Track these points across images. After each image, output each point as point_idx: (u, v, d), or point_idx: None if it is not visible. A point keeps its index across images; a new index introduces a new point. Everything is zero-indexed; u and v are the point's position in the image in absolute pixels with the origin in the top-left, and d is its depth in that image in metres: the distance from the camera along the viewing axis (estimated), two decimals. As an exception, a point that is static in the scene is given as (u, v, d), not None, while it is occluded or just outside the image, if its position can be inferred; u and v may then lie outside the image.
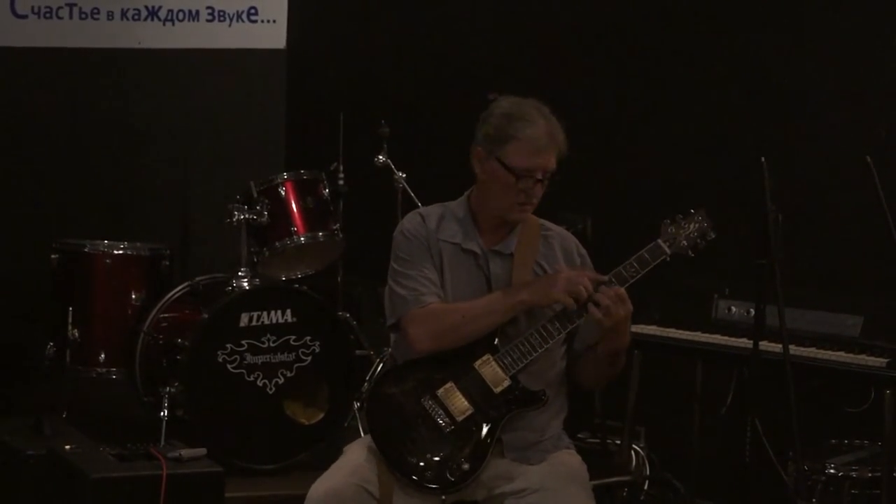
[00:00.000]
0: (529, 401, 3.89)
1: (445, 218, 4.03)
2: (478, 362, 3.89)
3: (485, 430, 3.87)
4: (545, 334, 3.88)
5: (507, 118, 3.93)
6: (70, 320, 5.60)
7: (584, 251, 4.09)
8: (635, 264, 3.90)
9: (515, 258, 3.98)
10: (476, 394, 3.88)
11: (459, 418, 3.87)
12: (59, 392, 5.62)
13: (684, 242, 3.94)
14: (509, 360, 3.88)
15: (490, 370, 3.89)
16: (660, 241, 3.93)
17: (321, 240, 5.75)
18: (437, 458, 3.86)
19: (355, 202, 5.99)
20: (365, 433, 4.80)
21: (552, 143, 3.92)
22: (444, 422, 3.87)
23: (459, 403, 3.87)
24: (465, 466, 3.85)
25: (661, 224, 3.95)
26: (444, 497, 3.86)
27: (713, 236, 3.97)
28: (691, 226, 3.96)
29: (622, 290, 3.84)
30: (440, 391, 3.89)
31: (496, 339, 3.90)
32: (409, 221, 4.04)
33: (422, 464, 3.85)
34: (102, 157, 6.62)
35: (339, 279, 6.13)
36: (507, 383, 3.89)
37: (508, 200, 3.93)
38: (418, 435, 3.87)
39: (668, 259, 3.92)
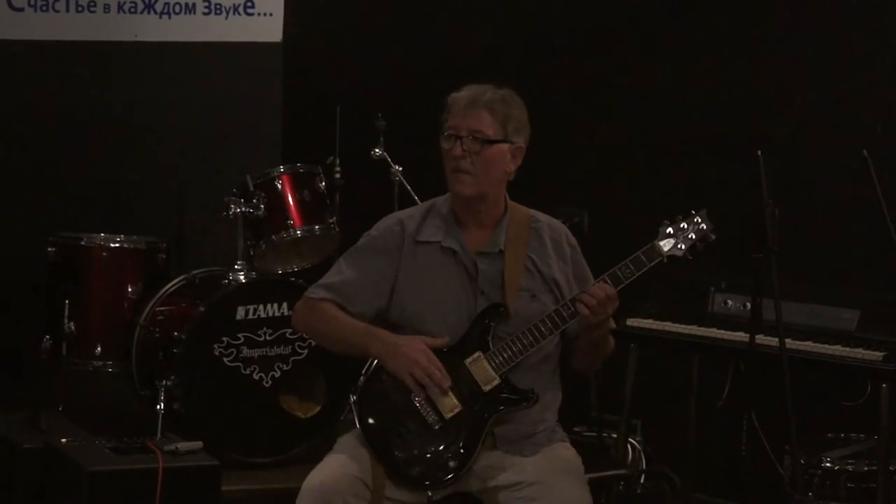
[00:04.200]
0: (518, 400, 3.89)
1: (430, 215, 4.03)
2: (468, 360, 3.89)
3: (472, 428, 3.87)
4: (537, 334, 3.87)
5: None
6: (66, 313, 5.59)
7: (574, 241, 4.08)
8: (631, 265, 3.88)
9: (507, 255, 3.96)
10: (465, 392, 3.87)
11: (448, 416, 3.87)
12: (55, 385, 5.61)
13: (681, 245, 3.91)
14: (500, 359, 3.88)
15: (480, 368, 3.88)
16: (657, 242, 3.91)
17: (317, 233, 5.74)
18: (424, 455, 3.86)
19: (352, 196, 5.99)
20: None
21: (473, 104, 3.92)
22: (432, 419, 3.87)
23: (448, 401, 3.87)
24: (452, 464, 3.86)
25: (660, 224, 3.93)
26: (430, 493, 3.86)
27: (713, 238, 3.93)
28: (690, 228, 3.92)
29: (612, 290, 3.84)
30: (430, 388, 3.90)
31: (488, 338, 3.90)
32: (384, 225, 4.06)
33: (409, 460, 3.86)
34: (98, 150, 6.61)
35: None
36: (496, 382, 3.88)
37: (447, 171, 3.95)
38: (407, 431, 3.87)
39: (665, 261, 3.91)
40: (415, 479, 3.85)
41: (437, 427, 3.87)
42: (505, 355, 3.88)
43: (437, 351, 3.88)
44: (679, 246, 3.91)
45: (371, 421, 3.91)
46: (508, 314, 3.90)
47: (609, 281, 3.87)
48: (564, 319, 3.87)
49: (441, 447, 3.86)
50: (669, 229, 3.92)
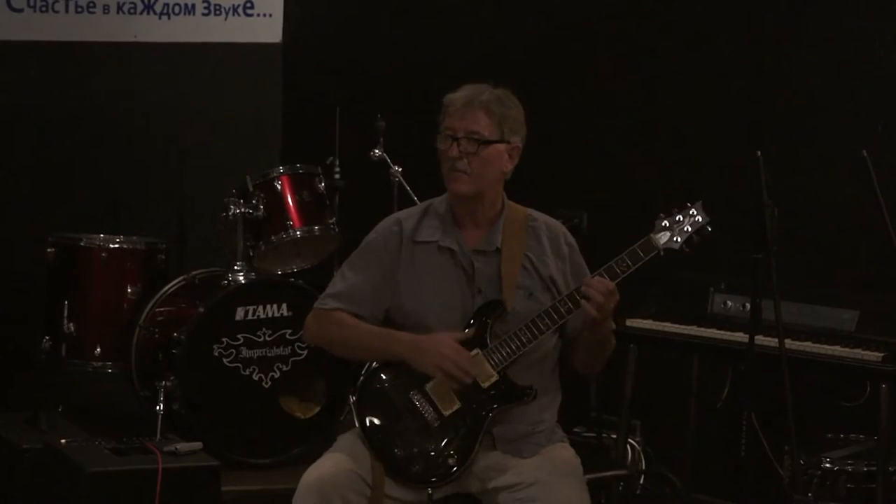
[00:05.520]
0: (516, 396, 3.90)
1: (427, 215, 4.04)
2: None
3: (471, 425, 3.88)
4: (535, 331, 3.88)
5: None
6: (66, 314, 5.59)
7: (572, 240, 4.08)
8: (627, 260, 3.89)
9: (503, 253, 3.97)
10: (464, 389, 3.88)
11: (447, 413, 3.88)
12: (54, 386, 5.62)
13: (677, 238, 3.91)
14: (498, 356, 3.89)
15: (479, 365, 3.88)
16: (652, 235, 3.92)
17: (317, 234, 5.74)
18: (423, 453, 3.88)
19: (351, 196, 5.98)
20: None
21: (469, 105, 3.92)
22: (431, 416, 3.88)
23: (447, 398, 3.88)
24: (451, 461, 3.87)
25: (655, 218, 3.93)
26: (430, 491, 3.87)
27: (710, 230, 3.94)
28: (686, 220, 3.92)
29: (612, 285, 3.84)
30: (429, 385, 3.90)
31: (486, 335, 3.90)
32: (382, 227, 4.07)
33: (409, 458, 3.88)
34: (98, 150, 6.61)
35: (334, 273, 6.11)
36: (494, 379, 3.89)
37: (444, 170, 3.96)
38: (406, 429, 3.89)
39: (661, 254, 3.91)
40: (415, 477, 3.87)
41: (436, 425, 3.88)
42: (503, 352, 3.89)
43: None
44: (675, 238, 3.91)
45: (370, 420, 3.91)
46: (506, 311, 3.91)
47: (605, 275, 3.87)
48: (562, 315, 3.88)
49: (440, 445, 3.87)
50: (665, 222, 3.93)
